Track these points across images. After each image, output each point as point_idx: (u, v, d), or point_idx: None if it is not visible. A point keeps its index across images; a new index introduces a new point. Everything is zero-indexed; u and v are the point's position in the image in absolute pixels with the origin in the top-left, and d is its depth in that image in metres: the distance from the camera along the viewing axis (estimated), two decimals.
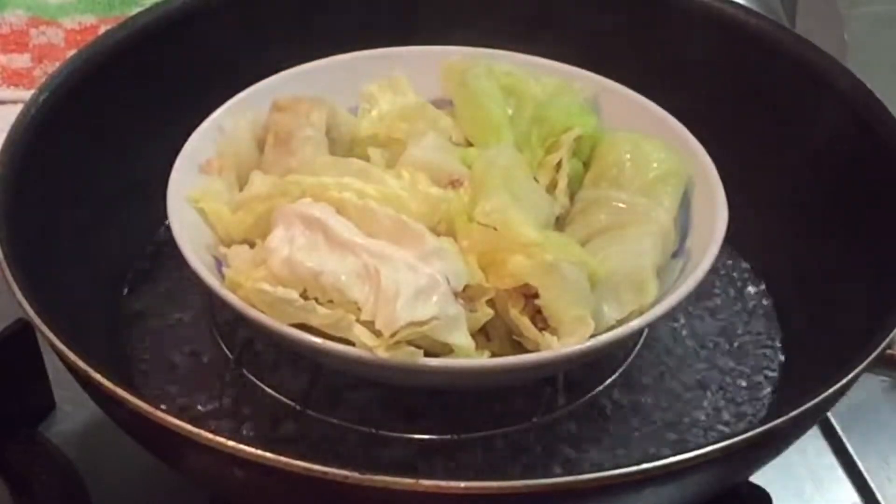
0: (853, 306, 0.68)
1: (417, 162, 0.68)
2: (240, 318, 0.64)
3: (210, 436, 0.55)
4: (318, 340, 0.61)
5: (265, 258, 0.63)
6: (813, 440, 0.75)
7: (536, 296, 0.62)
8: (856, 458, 0.74)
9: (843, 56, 0.80)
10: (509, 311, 0.62)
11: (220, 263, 0.66)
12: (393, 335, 0.59)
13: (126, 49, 0.77)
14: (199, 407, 0.70)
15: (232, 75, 0.75)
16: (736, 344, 0.75)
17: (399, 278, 0.60)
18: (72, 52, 0.76)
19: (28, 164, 0.69)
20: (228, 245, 0.67)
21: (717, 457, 0.56)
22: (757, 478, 0.66)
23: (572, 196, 0.71)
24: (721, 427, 0.71)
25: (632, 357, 0.71)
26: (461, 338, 0.60)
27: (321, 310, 0.61)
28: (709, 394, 0.72)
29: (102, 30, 0.89)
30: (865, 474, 0.74)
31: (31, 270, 0.62)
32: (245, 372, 0.70)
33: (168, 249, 0.68)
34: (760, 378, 0.73)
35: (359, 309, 0.61)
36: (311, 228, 0.64)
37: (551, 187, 0.71)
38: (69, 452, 0.71)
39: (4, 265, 0.62)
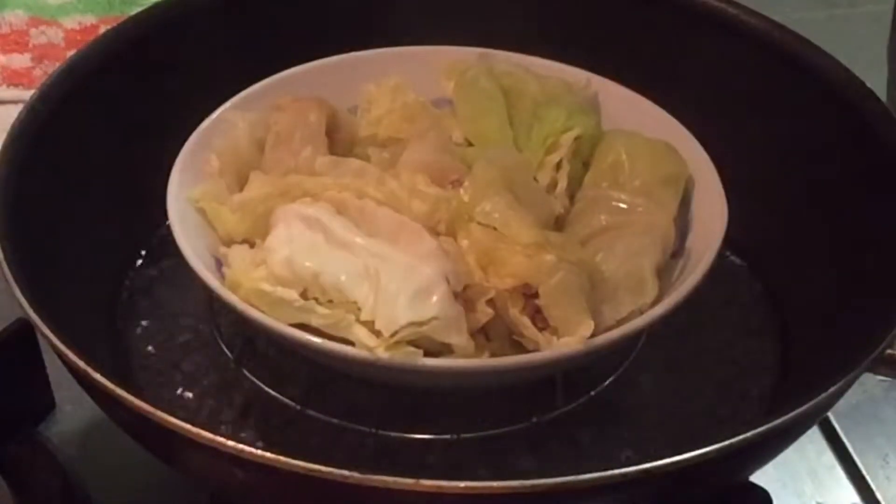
0: (853, 306, 0.68)
1: (417, 162, 0.68)
2: (240, 318, 0.64)
3: (210, 436, 0.55)
4: (318, 340, 0.61)
5: (265, 258, 0.63)
6: (813, 440, 0.75)
7: (536, 296, 0.62)
8: (856, 458, 0.74)
9: None
10: (509, 311, 0.62)
11: (220, 263, 0.66)
12: (393, 335, 0.59)
13: (126, 49, 0.77)
14: (199, 407, 0.70)
15: (232, 75, 0.75)
16: (735, 344, 0.75)
17: (399, 278, 0.60)
18: (72, 52, 0.76)
19: (28, 164, 0.69)
20: (228, 245, 0.67)
21: (717, 457, 0.56)
22: (757, 478, 0.66)
23: (572, 196, 0.71)
24: (721, 427, 0.70)
25: (632, 357, 0.71)
26: (461, 338, 0.60)
27: (321, 310, 0.61)
28: (708, 394, 0.72)
29: (102, 30, 0.89)
30: (865, 474, 0.74)
31: (31, 270, 0.62)
32: (245, 372, 0.70)
33: (168, 249, 0.68)
34: (760, 378, 0.73)
35: (359, 309, 0.61)
36: (311, 228, 0.64)
37: (551, 187, 0.71)
38: (69, 452, 0.71)
39: (4, 265, 0.62)
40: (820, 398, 0.58)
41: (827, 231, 0.74)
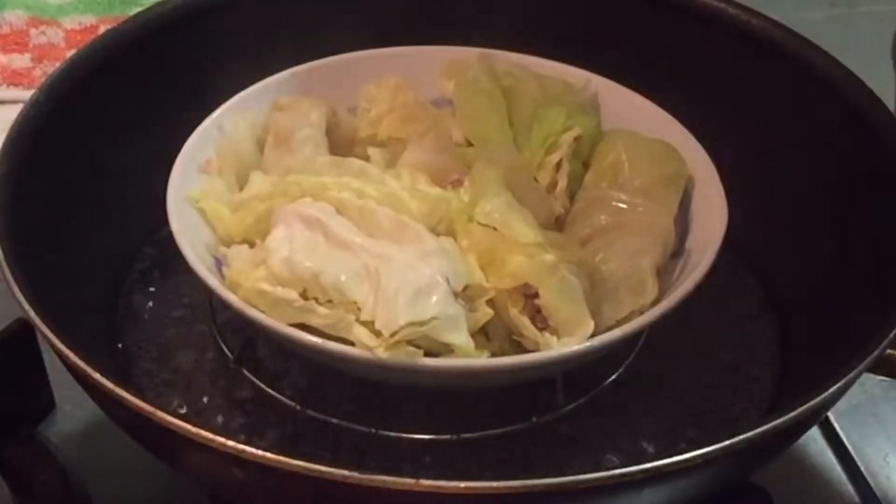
0: (853, 306, 0.68)
1: (417, 162, 0.68)
2: (240, 318, 0.64)
3: (210, 436, 0.55)
4: (318, 340, 0.61)
5: (265, 258, 0.63)
6: (813, 440, 0.75)
7: (536, 296, 0.62)
8: (856, 458, 0.74)
9: None
10: (509, 311, 0.62)
11: (220, 263, 0.66)
12: (393, 335, 0.59)
13: (125, 49, 0.77)
14: (199, 407, 0.70)
15: (232, 75, 0.75)
16: (736, 344, 0.75)
17: (399, 278, 0.60)
18: (72, 52, 0.76)
19: (28, 164, 0.69)
20: (228, 245, 0.67)
21: (717, 457, 0.56)
22: (757, 478, 0.66)
23: (572, 196, 0.71)
24: (721, 427, 0.70)
25: (632, 357, 0.71)
26: (461, 338, 0.60)
27: (321, 310, 0.61)
28: (708, 394, 0.72)
29: (102, 30, 0.89)
30: (865, 474, 0.74)
31: (31, 270, 0.62)
32: (245, 372, 0.70)
33: (168, 249, 0.68)
34: (760, 378, 0.73)
35: (359, 309, 0.61)
36: (311, 228, 0.64)
37: (551, 187, 0.71)
38: (69, 452, 0.71)
39: (4, 265, 0.62)
40: (820, 398, 0.58)
41: (827, 231, 0.74)
